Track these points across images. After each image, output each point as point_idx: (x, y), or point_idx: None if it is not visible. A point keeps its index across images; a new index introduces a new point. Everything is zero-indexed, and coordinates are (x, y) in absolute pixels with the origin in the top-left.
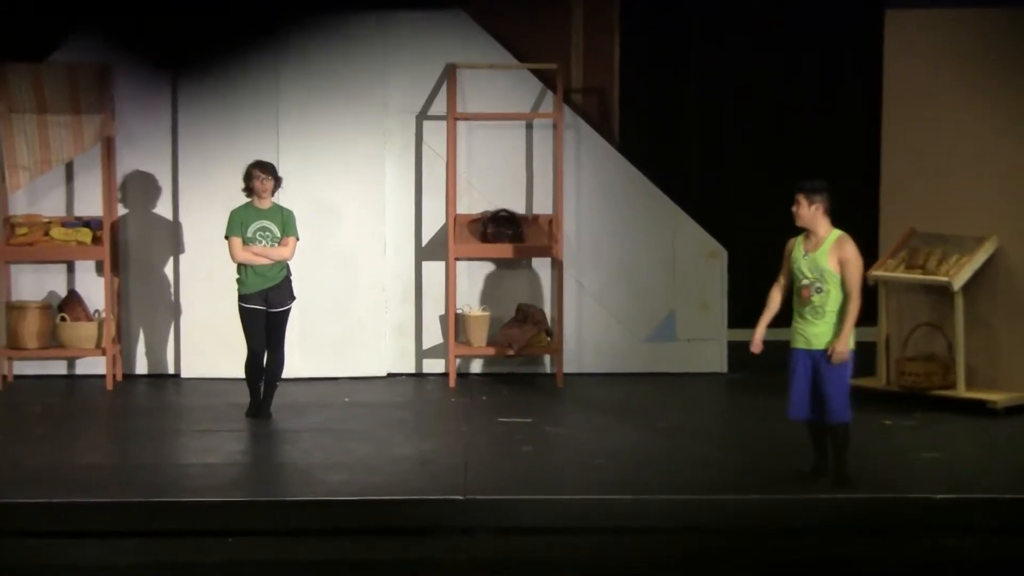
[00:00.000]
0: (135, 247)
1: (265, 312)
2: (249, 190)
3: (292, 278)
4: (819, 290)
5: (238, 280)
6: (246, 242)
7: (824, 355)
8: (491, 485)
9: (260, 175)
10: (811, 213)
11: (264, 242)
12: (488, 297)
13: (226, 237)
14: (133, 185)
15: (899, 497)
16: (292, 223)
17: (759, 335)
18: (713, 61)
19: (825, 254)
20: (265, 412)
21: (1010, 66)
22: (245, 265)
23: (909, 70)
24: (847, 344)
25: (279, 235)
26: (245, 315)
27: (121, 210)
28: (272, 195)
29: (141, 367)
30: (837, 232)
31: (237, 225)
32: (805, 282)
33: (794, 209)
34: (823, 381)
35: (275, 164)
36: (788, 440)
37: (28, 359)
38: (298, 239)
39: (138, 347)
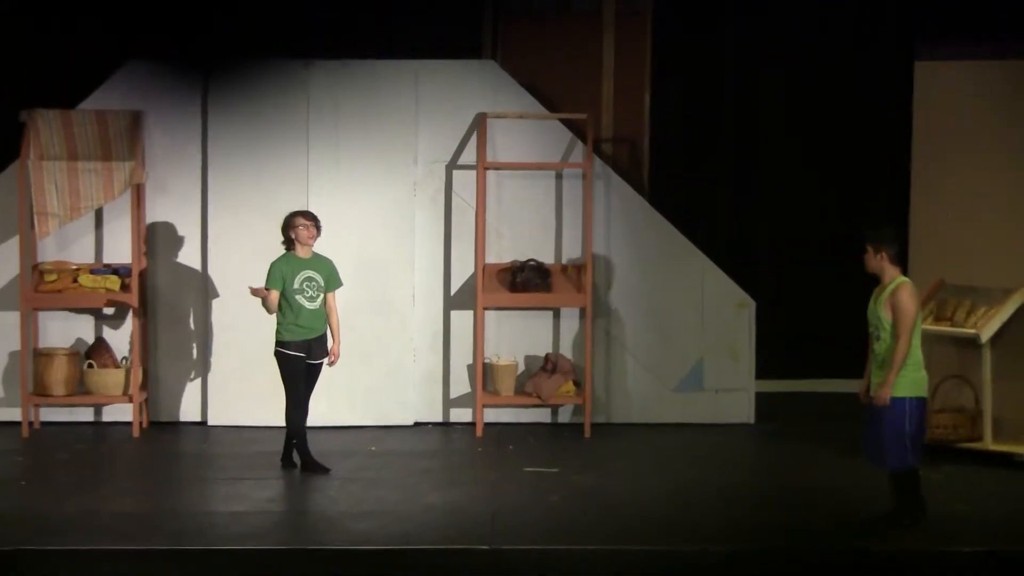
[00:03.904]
0: (164, 294)
1: (305, 362)
2: (290, 241)
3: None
4: (878, 338)
5: (280, 325)
6: (291, 294)
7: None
8: (518, 535)
9: (306, 223)
10: (877, 262)
11: (310, 291)
12: (516, 346)
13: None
14: (162, 232)
15: (928, 550)
16: (336, 273)
17: (864, 383)
18: (743, 112)
19: (882, 302)
20: (288, 461)
21: None
22: (289, 312)
23: (938, 121)
24: (889, 389)
25: (323, 284)
26: (286, 361)
27: (150, 257)
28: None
29: (168, 414)
30: (900, 280)
31: (278, 279)
32: (870, 329)
33: (864, 257)
34: (880, 428)
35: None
36: (820, 490)
37: (55, 406)
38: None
39: (165, 395)
